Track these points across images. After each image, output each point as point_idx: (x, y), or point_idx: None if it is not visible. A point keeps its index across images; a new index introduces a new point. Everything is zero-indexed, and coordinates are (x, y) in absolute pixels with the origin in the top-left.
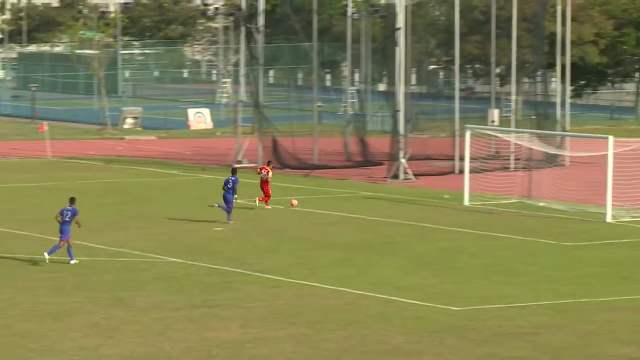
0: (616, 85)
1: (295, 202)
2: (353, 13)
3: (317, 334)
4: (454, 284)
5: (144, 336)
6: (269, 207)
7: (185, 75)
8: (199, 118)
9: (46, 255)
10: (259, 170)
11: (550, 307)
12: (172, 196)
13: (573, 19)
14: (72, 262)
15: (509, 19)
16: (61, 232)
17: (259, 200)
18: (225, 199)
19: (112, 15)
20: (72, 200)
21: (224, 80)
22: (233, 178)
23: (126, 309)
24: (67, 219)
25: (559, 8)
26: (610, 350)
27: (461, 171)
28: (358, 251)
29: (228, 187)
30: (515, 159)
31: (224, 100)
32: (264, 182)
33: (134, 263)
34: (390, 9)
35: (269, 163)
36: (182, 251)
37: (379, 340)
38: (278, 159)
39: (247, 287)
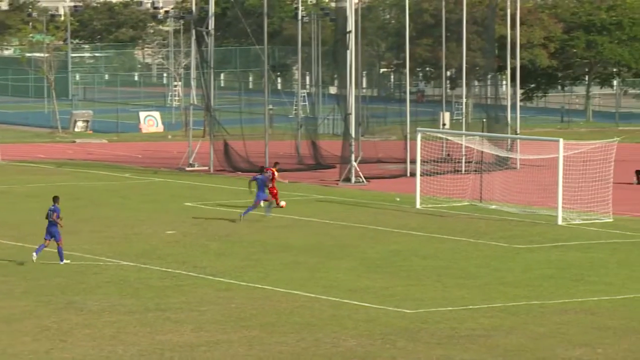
0: (566, 89)
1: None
2: (304, 16)
3: (270, 337)
4: (406, 286)
5: (96, 340)
6: (284, 204)
7: (136, 78)
8: (150, 121)
9: (34, 255)
10: (265, 170)
11: (502, 310)
12: (124, 199)
13: (523, 23)
14: (62, 262)
15: (459, 22)
16: (47, 232)
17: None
18: (257, 196)
19: (62, 18)
20: (55, 199)
21: (175, 83)
22: (260, 176)
23: (78, 313)
24: (51, 219)
25: (508, 11)
26: (562, 352)
27: (412, 174)
28: (310, 254)
29: (258, 185)
30: (467, 162)
31: (175, 104)
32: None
33: (85, 266)
34: (341, 12)
35: (275, 164)
36: (134, 254)
37: (331, 343)
38: (229, 162)
39: (199, 291)
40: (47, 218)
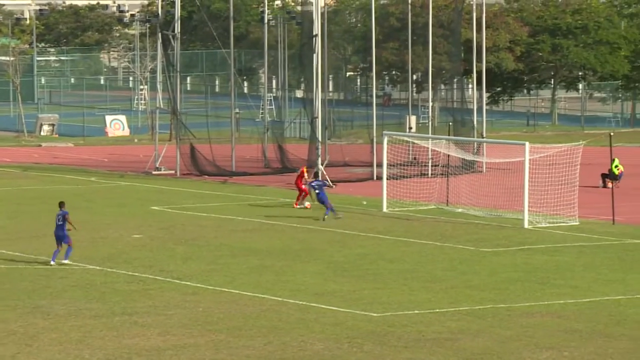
0: (532, 92)
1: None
2: (270, 20)
3: (236, 340)
4: (373, 290)
5: (62, 344)
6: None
7: (102, 82)
8: (116, 125)
9: (52, 262)
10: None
11: (468, 313)
12: (90, 203)
13: (488, 26)
14: (65, 260)
15: (425, 25)
16: (56, 237)
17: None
18: (321, 201)
19: (28, 21)
20: (61, 205)
21: (141, 87)
22: (316, 182)
23: (44, 317)
24: (60, 223)
25: (474, 15)
26: (529, 355)
27: (379, 178)
28: (277, 258)
29: (317, 191)
30: (433, 166)
31: (141, 107)
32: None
33: (51, 270)
34: (307, 16)
35: (309, 167)
36: (101, 258)
37: (298, 346)
38: (196, 166)
39: (166, 294)
40: (58, 223)
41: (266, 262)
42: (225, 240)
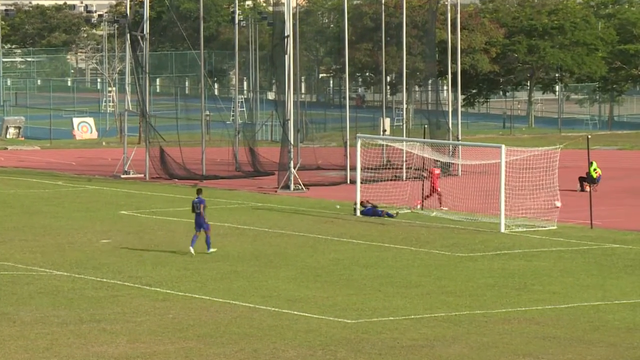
0: (508, 94)
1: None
2: (240, 20)
3: (208, 348)
4: (347, 296)
5: (29, 352)
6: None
7: (69, 83)
8: (84, 128)
9: (191, 249)
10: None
11: (445, 319)
12: (57, 208)
13: (464, 27)
14: (210, 250)
15: (400, 26)
16: (196, 224)
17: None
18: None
19: None
20: (198, 192)
21: (109, 88)
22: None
23: (11, 324)
24: (199, 211)
25: (449, 16)
26: None
27: (352, 181)
28: (249, 263)
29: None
30: (407, 169)
31: (110, 110)
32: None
33: (17, 277)
34: (278, 16)
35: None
36: (68, 264)
37: (271, 354)
38: (165, 169)
39: (135, 301)
40: (193, 211)
41: (237, 267)
42: (196, 246)
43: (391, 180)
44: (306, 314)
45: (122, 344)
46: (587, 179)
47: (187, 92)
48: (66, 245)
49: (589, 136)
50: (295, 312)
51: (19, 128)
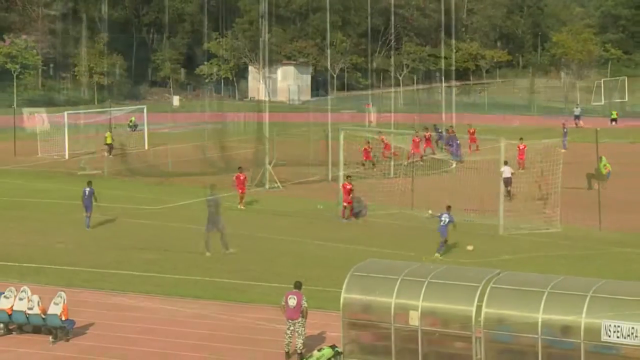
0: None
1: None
2: None
3: None
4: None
5: None
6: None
7: None
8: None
9: None
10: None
11: None
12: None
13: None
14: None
15: None
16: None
17: None
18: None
19: None
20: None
21: None
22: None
23: None
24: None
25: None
26: None
27: (335, 179)
28: None
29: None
30: (396, 164)
31: None
32: None
33: None
34: None
35: None
36: None
37: None
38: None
39: None
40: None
41: None
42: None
43: (379, 178)
44: None
45: None
46: (595, 176)
47: None
48: None
49: (598, 129)
50: None
51: None
